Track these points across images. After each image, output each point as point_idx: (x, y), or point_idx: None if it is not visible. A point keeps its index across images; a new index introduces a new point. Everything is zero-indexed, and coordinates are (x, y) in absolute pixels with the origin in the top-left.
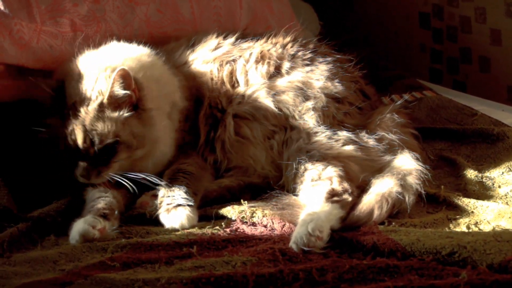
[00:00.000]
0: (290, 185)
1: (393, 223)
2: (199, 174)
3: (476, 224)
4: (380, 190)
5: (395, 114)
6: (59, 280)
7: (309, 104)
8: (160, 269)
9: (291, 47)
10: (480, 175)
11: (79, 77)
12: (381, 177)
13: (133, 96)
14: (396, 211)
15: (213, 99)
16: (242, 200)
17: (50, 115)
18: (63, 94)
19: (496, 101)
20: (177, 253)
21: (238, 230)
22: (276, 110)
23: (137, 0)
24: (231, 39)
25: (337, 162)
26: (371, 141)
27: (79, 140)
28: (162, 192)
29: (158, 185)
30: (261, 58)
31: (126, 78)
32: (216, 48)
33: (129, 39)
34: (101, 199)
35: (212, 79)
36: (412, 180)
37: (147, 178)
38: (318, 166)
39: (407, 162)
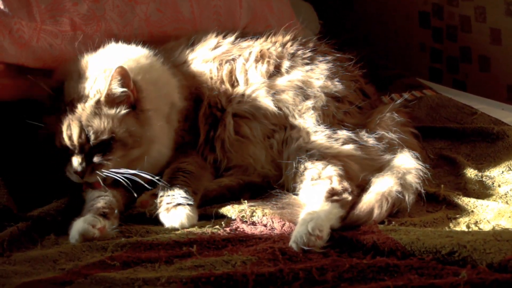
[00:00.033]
0: (290, 184)
1: (393, 222)
2: (199, 173)
3: (476, 223)
4: (380, 189)
5: (395, 113)
6: (59, 279)
7: (309, 103)
8: (160, 268)
9: (291, 46)
10: (480, 174)
11: (78, 77)
12: (381, 176)
13: (131, 96)
14: (396, 210)
15: (213, 98)
16: (242, 199)
17: (48, 113)
18: (62, 94)
19: (496, 100)
20: (177, 252)
21: (238, 229)
22: (275, 109)
23: None
24: (231, 38)
25: (337, 161)
26: (371, 140)
27: (75, 135)
28: (162, 191)
29: (154, 183)
30: (261, 57)
31: (124, 76)
32: (215, 47)
33: (128, 38)
34: (101, 198)
35: (211, 78)
36: (412, 179)
37: (139, 174)
38: (318, 165)
39: (407, 161)
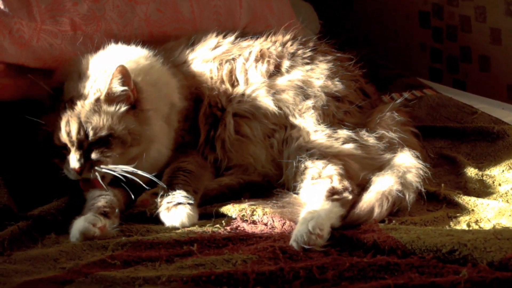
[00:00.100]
0: (291, 184)
1: (394, 221)
2: (199, 173)
3: (476, 222)
4: (381, 188)
5: (395, 112)
6: (59, 278)
7: (309, 102)
8: (161, 267)
9: (291, 45)
10: (480, 173)
11: (78, 77)
12: (381, 175)
13: (131, 96)
14: (396, 209)
15: (213, 98)
16: (242, 198)
17: (48, 113)
18: (62, 94)
19: (496, 100)
20: (177, 251)
21: (239, 228)
22: (276, 109)
23: None
24: (231, 38)
25: (337, 161)
26: (371, 140)
27: (74, 131)
28: (162, 190)
29: (153, 184)
30: (261, 56)
31: (125, 75)
32: (215, 47)
33: (129, 38)
34: (102, 197)
35: (211, 78)
36: (412, 178)
37: (137, 172)
38: (318, 165)
39: (407, 160)
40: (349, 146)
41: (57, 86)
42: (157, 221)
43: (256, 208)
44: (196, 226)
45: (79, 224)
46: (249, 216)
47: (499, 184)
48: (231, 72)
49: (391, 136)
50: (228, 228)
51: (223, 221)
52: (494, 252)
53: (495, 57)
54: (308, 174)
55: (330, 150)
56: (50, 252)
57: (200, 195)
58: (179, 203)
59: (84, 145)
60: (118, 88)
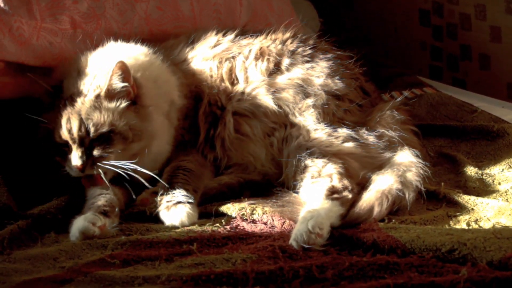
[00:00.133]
0: (290, 182)
1: (393, 220)
2: (199, 172)
3: (476, 221)
4: (380, 187)
5: (395, 111)
6: (59, 277)
7: (309, 101)
8: (160, 266)
9: (291, 43)
10: (480, 172)
11: (77, 75)
12: (381, 174)
13: (131, 91)
14: (396, 208)
15: (213, 96)
16: (242, 197)
17: (48, 111)
18: (62, 91)
19: (496, 98)
20: (177, 250)
21: (238, 227)
22: (276, 107)
23: None
24: (231, 36)
25: (337, 159)
26: (371, 138)
27: (75, 128)
28: (162, 189)
29: (154, 181)
30: (261, 54)
31: (125, 71)
32: (215, 45)
33: (128, 37)
34: (102, 196)
35: (211, 76)
36: (412, 177)
37: (138, 169)
38: (318, 163)
39: (407, 159)
40: (349, 145)
41: (57, 84)
42: (157, 220)
43: (256, 207)
44: (196, 225)
45: (79, 223)
46: (249, 215)
47: (499, 183)
48: (231, 70)
49: (391, 134)
50: (227, 227)
51: (222, 220)
52: (493, 251)
53: (495, 56)
54: (308, 172)
55: (330, 149)
56: (50, 251)
57: (200, 194)
58: (179, 202)
59: (86, 142)
60: (118, 84)
